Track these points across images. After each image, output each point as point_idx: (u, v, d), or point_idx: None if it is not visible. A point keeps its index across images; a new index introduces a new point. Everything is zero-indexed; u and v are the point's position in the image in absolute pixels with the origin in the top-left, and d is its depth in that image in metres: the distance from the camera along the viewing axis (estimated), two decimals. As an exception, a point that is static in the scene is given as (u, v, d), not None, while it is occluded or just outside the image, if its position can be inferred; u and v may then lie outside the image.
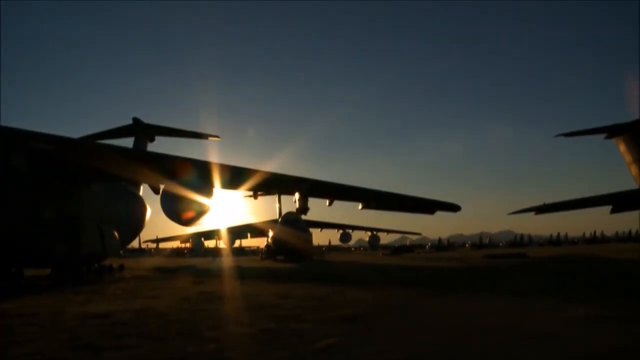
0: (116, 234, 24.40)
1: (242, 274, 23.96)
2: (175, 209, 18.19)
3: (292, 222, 49.28)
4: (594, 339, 6.06)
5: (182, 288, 15.14)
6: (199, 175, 18.50)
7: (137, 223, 30.85)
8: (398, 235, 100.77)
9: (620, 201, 30.88)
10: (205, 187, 18.21)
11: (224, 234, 64.97)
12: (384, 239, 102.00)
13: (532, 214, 33.83)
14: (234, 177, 20.77)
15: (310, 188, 23.40)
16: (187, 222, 19.07)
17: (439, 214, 28.00)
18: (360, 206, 27.40)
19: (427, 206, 28.90)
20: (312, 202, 27.29)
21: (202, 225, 22.48)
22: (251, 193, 24.62)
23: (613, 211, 30.93)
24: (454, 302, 10.16)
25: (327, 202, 26.91)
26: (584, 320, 7.31)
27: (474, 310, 9.00)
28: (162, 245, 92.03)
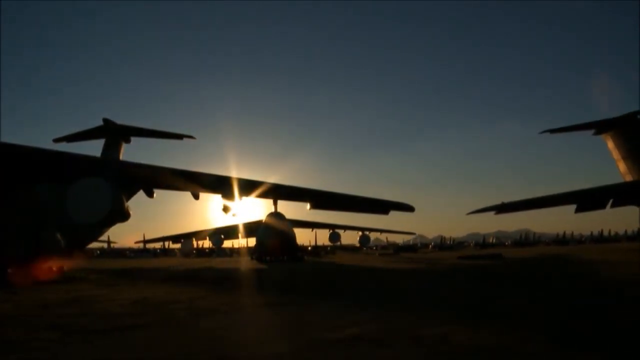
0: (59, 236, 24.25)
1: (179, 276, 23.75)
2: (82, 209, 17.85)
3: (275, 222, 48.91)
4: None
5: (72, 290, 14.93)
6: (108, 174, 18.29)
7: (97, 224, 30.74)
8: (412, 236, 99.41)
9: (585, 200, 29.65)
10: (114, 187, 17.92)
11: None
12: (398, 238, 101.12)
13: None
14: (164, 178, 20.57)
15: (243, 188, 23.06)
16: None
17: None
18: (308, 206, 26.99)
19: (380, 206, 28.37)
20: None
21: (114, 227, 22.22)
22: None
23: (578, 210, 29.74)
24: (270, 313, 9.62)
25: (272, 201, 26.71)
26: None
27: (260, 320, 8.47)
28: (173, 245, 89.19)
